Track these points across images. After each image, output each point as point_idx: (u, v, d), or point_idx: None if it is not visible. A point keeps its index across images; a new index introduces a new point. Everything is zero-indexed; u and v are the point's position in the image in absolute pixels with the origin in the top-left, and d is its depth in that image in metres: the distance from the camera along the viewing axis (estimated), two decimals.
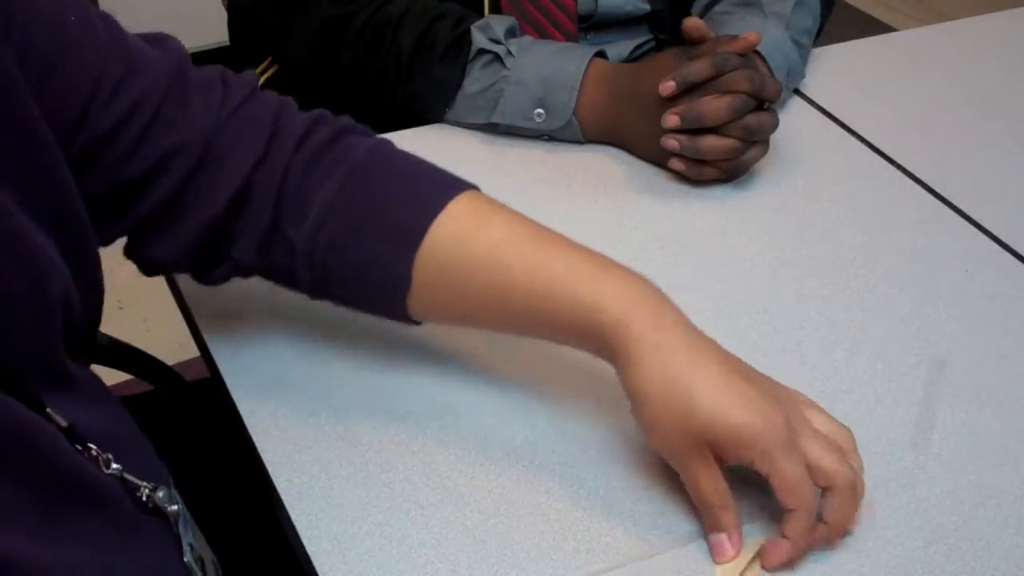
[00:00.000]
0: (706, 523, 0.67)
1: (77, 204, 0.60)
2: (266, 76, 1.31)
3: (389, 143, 0.74)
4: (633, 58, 1.22)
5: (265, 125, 0.70)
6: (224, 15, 1.23)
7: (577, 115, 1.01)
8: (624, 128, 1.01)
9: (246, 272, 0.74)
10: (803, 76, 1.12)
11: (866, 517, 0.70)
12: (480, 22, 1.03)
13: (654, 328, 0.64)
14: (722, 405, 0.63)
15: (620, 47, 1.21)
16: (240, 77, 0.72)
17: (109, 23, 0.67)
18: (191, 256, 0.71)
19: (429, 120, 1.06)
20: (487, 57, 1.01)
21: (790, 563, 0.66)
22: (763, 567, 0.66)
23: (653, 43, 1.23)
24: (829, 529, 0.65)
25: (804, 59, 1.11)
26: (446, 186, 0.71)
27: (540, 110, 1.00)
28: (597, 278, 0.67)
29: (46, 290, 0.56)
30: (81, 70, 0.62)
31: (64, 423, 0.56)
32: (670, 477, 0.72)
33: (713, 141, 0.94)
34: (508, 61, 1.00)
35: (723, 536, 0.66)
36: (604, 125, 1.02)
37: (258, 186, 0.69)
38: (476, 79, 1.01)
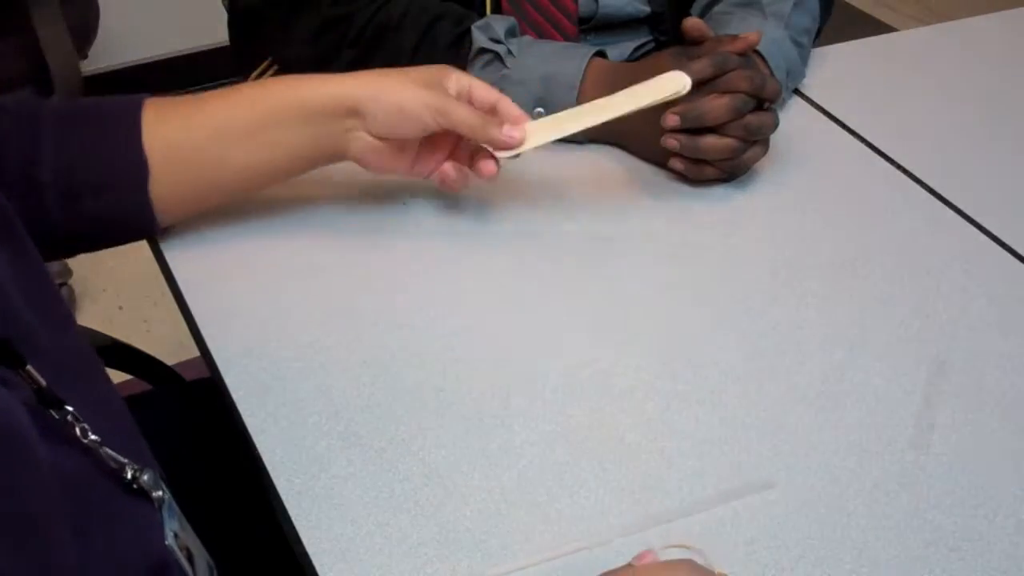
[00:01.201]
0: (488, 138, 0.85)
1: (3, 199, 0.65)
2: (266, 77, 1.31)
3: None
4: (633, 59, 1.22)
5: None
6: (224, 15, 1.23)
7: None
8: (623, 127, 1.01)
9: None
10: (803, 76, 1.12)
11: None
12: (480, 22, 1.03)
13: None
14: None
15: (621, 48, 1.21)
16: None
17: None
18: None
19: None
20: (487, 56, 1.01)
21: None
22: None
23: (653, 44, 1.23)
24: None
25: (804, 59, 1.11)
26: (136, 96, 0.83)
27: (540, 108, 1.00)
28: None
29: None
30: None
31: (43, 382, 0.55)
32: (672, 477, 0.72)
33: (713, 141, 0.94)
34: (508, 60, 1.00)
35: (506, 127, 0.85)
36: (604, 124, 1.02)
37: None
38: (478, 75, 1.01)
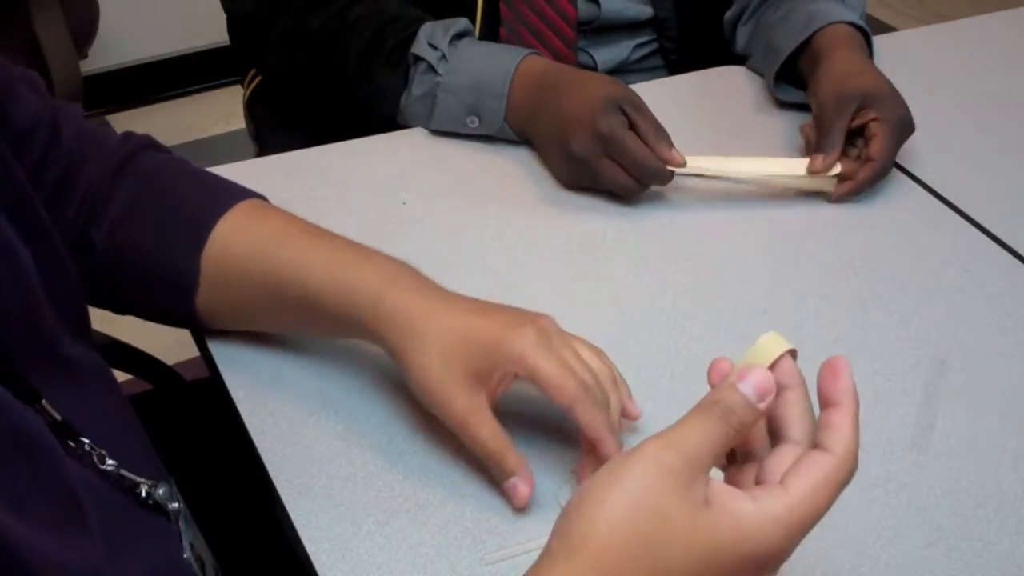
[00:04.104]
0: (494, 473, 0.68)
1: (36, 201, 0.63)
2: (252, 87, 1.32)
3: (184, 159, 0.80)
4: (634, 59, 1.22)
5: (100, 143, 0.77)
6: (224, 15, 1.23)
7: (507, 120, 1.00)
8: (537, 138, 1.01)
9: None
10: None
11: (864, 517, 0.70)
12: (427, 25, 1.02)
13: (406, 302, 0.69)
14: (481, 331, 0.67)
15: (619, 48, 1.21)
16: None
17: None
18: None
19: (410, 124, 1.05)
20: (424, 64, 1.01)
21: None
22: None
23: (656, 44, 1.23)
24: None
25: None
26: (234, 192, 0.77)
27: (473, 117, 1.01)
28: (354, 265, 0.71)
29: (23, 273, 0.58)
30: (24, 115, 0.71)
31: (58, 416, 0.56)
32: None
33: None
34: (440, 67, 1.00)
35: (514, 479, 0.67)
36: (526, 131, 1.02)
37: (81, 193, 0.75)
38: (418, 83, 1.02)
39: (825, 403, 0.51)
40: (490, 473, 0.70)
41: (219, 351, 0.80)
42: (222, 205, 0.75)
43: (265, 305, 0.75)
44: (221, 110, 2.49)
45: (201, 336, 0.81)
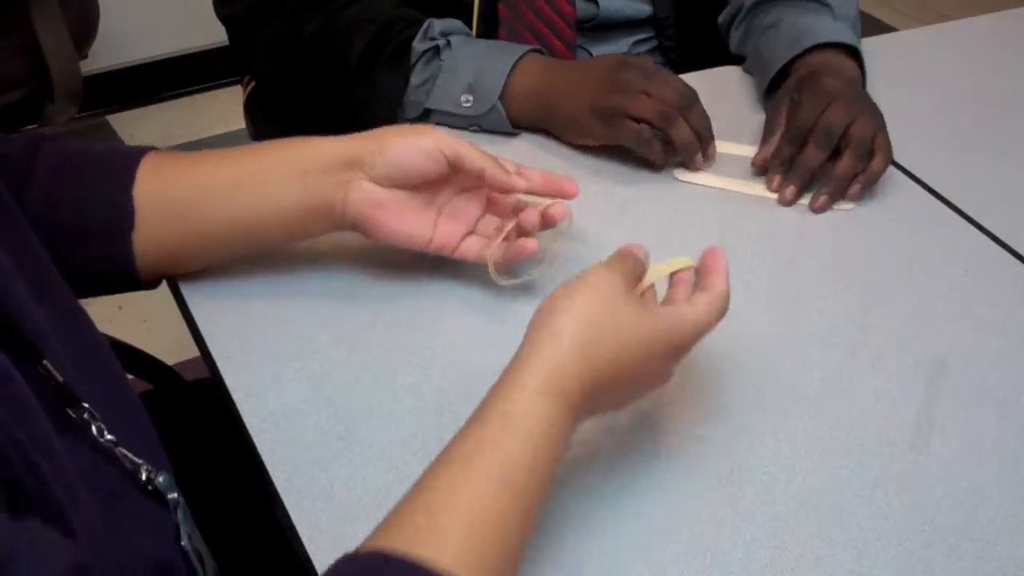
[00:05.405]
0: (493, 182, 0.80)
1: (11, 200, 0.65)
2: (250, 88, 1.32)
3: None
4: (632, 56, 1.22)
5: (7, 139, 0.80)
6: None
7: (504, 101, 1.01)
8: (555, 116, 1.02)
9: None
10: None
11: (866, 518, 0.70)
12: (424, 24, 1.03)
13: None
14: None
15: (618, 45, 1.21)
16: None
17: None
18: None
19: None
20: (428, 54, 1.02)
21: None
22: None
23: (655, 42, 1.23)
24: None
25: None
26: (145, 147, 0.82)
27: (468, 96, 1.01)
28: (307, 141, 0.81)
29: (8, 278, 0.59)
30: None
31: (60, 378, 0.56)
32: (671, 479, 0.72)
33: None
34: (444, 52, 1.01)
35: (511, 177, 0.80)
36: (534, 112, 1.02)
37: None
38: (419, 72, 1.02)
39: (705, 272, 0.72)
40: None
41: (219, 351, 0.80)
42: (138, 153, 0.79)
43: (210, 207, 0.78)
44: (221, 110, 2.50)
45: (201, 336, 0.81)
